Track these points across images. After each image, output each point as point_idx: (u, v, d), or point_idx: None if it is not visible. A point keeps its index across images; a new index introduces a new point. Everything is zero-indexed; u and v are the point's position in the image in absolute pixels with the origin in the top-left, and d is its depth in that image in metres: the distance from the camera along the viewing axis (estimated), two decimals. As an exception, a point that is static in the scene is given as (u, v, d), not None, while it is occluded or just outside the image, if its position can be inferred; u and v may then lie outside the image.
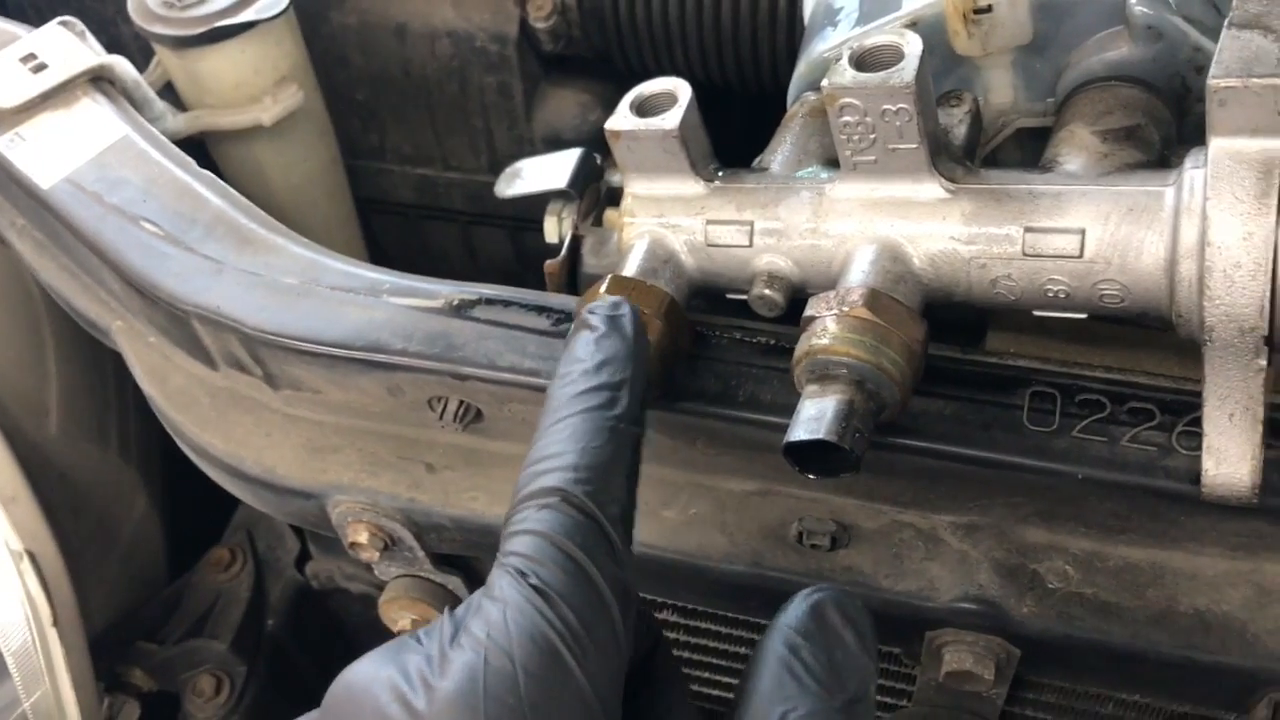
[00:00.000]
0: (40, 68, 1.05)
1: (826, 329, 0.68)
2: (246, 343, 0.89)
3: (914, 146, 0.69)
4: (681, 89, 0.77)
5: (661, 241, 0.79)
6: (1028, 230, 0.68)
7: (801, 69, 0.87)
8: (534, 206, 0.95)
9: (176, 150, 1.03)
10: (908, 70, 0.67)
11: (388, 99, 1.40)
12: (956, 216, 0.70)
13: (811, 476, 0.68)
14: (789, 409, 0.69)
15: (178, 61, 1.21)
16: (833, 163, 0.78)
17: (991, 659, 0.76)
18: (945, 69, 0.81)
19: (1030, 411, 0.74)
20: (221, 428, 0.95)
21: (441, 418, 0.84)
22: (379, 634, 1.29)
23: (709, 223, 0.78)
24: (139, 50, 1.24)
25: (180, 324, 0.93)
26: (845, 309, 0.68)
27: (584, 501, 0.56)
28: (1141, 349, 0.77)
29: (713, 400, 0.78)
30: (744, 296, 0.78)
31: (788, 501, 0.81)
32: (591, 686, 0.53)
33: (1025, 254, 0.68)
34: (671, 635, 0.93)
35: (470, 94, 1.36)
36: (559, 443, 0.59)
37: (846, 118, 0.69)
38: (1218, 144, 0.61)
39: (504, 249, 1.51)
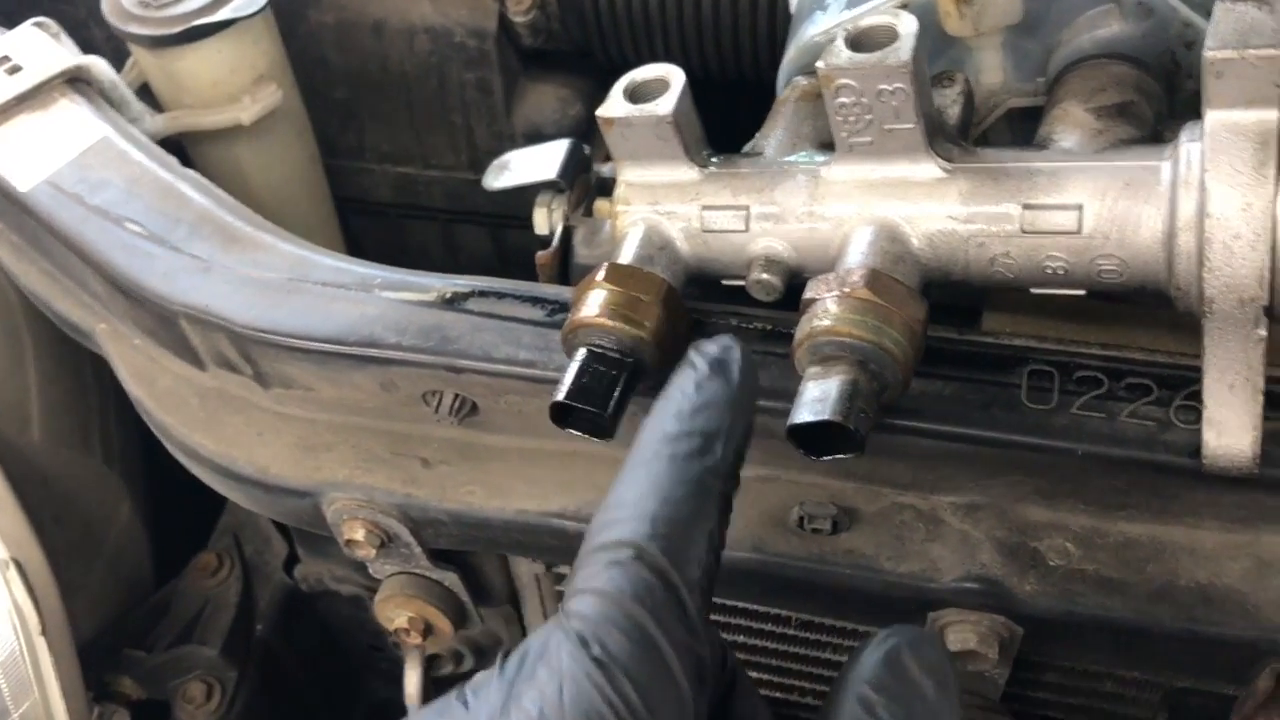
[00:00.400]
0: (15, 70, 1.04)
1: (828, 310, 0.68)
2: (236, 341, 0.88)
3: (910, 126, 0.69)
4: (675, 75, 0.77)
5: (657, 229, 0.79)
6: (1025, 207, 0.68)
7: (791, 54, 0.87)
8: (515, 203, 0.95)
9: (158, 150, 1.02)
10: (904, 49, 0.67)
11: (366, 97, 1.39)
12: (954, 196, 0.70)
13: (816, 458, 0.67)
14: (788, 394, 0.69)
15: (154, 61, 1.19)
16: (826, 146, 0.78)
17: (995, 638, 0.76)
18: (937, 50, 0.81)
19: (1029, 390, 0.74)
20: (212, 429, 0.93)
21: (437, 411, 0.83)
22: (370, 636, 1.28)
23: (704, 208, 0.77)
24: (112, 53, 1.22)
25: (167, 325, 0.92)
26: (846, 290, 0.68)
27: (658, 560, 0.51)
28: (1136, 325, 0.78)
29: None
30: (741, 282, 0.78)
31: (788, 486, 0.81)
32: None
33: (1023, 231, 0.68)
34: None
35: (449, 90, 1.35)
36: (638, 490, 0.54)
37: (843, 99, 0.69)
38: (1214, 116, 0.62)
39: (485, 246, 1.50)
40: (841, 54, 0.68)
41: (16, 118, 1.02)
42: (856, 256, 0.71)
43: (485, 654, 1.17)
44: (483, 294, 0.84)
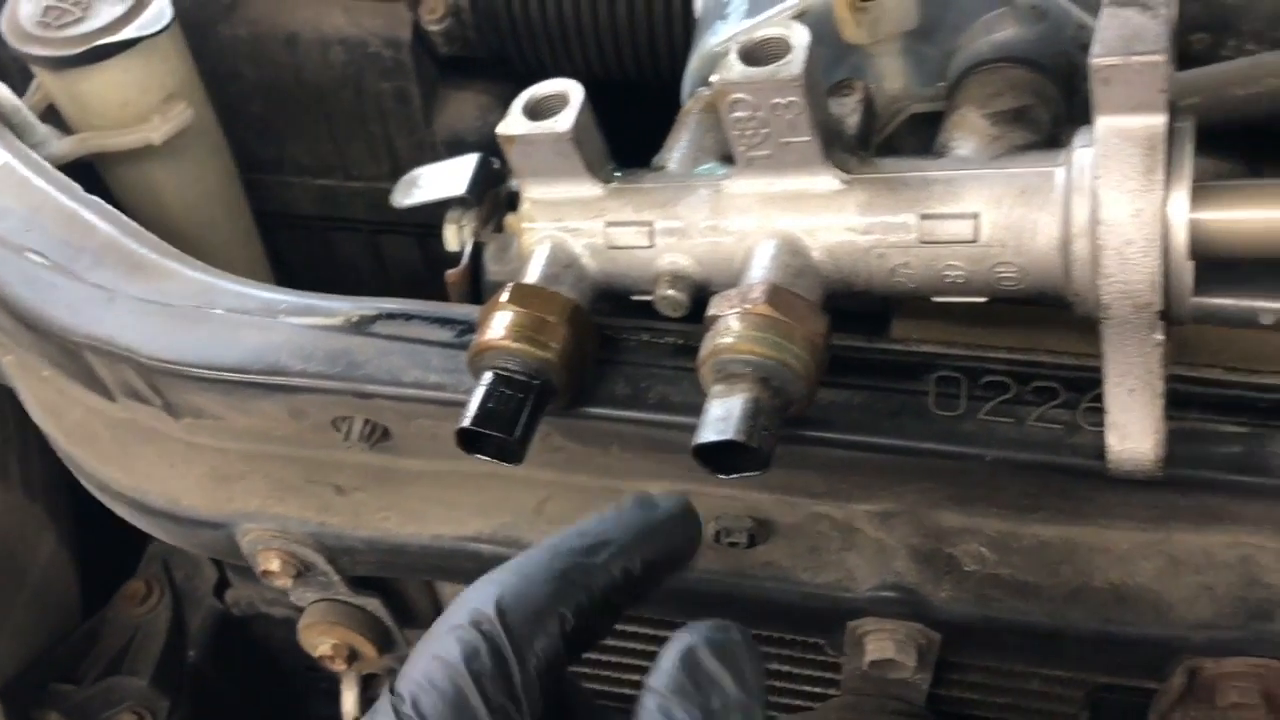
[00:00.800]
0: (-90, 99, 1.02)
1: (729, 327, 0.67)
2: (142, 372, 0.86)
3: (806, 139, 0.69)
4: (573, 90, 0.76)
5: (562, 246, 0.78)
6: (923, 217, 0.68)
7: (694, 64, 0.86)
8: (440, 213, 0.93)
9: (61, 176, 0.99)
10: (795, 63, 0.66)
11: (283, 110, 1.37)
12: (852, 207, 0.70)
13: (723, 477, 0.67)
14: (700, 409, 0.68)
15: (59, 83, 1.16)
16: (729, 158, 0.77)
17: (913, 645, 0.76)
18: (836, 58, 0.81)
19: (936, 396, 0.74)
20: (123, 461, 0.92)
21: (347, 438, 0.82)
22: (306, 657, 1.26)
23: (609, 225, 0.77)
24: (18, 73, 1.20)
25: (73, 356, 0.90)
26: (747, 306, 0.68)
27: (494, 629, 0.53)
28: (1044, 327, 0.78)
29: (623, 404, 0.77)
30: (649, 298, 0.77)
31: (704, 501, 0.80)
32: None
33: (921, 241, 0.68)
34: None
35: (367, 101, 1.33)
36: (505, 567, 0.56)
37: (738, 113, 0.69)
38: (1103, 122, 0.62)
39: (413, 256, 1.49)
40: (734, 68, 0.68)
41: (-87, 148, 1.00)
42: (758, 271, 0.70)
43: (422, 671, 1.16)
44: (390, 316, 0.83)
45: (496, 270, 0.88)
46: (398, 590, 0.94)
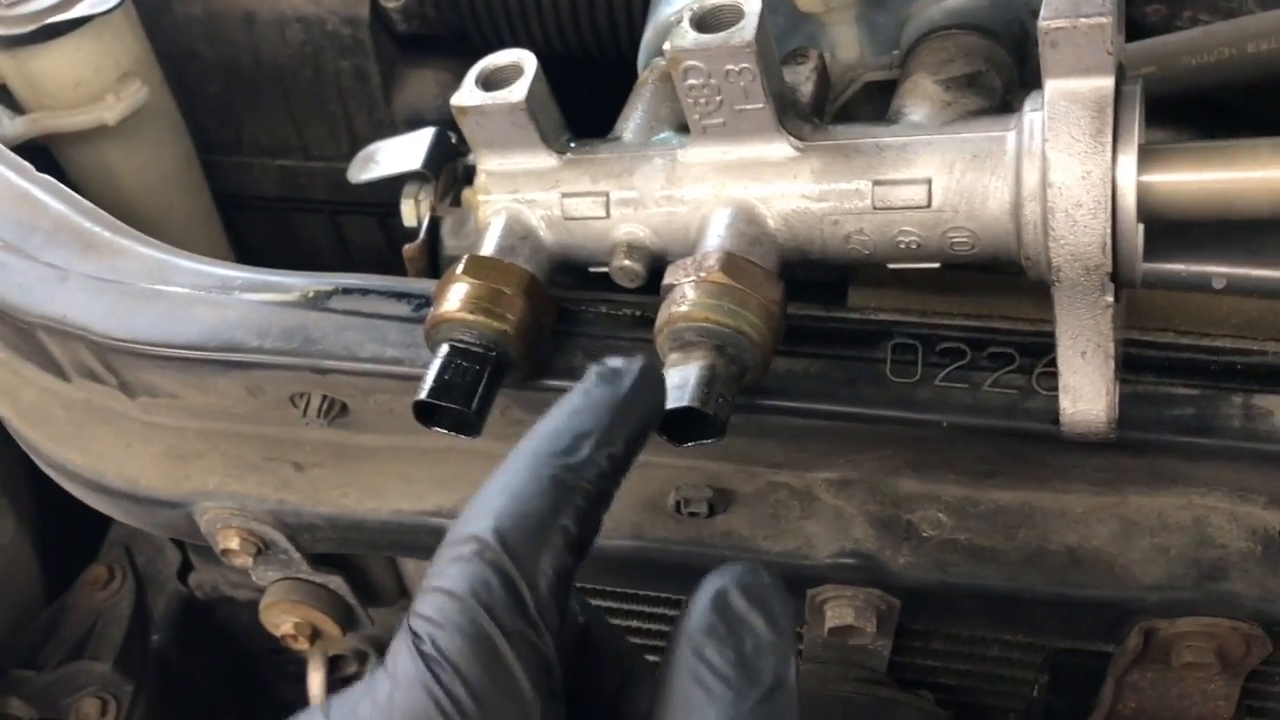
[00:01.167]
0: None
1: (685, 296, 0.67)
2: (97, 351, 0.85)
3: (760, 106, 0.69)
4: (527, 60, 0.75)
5: (518, 218, 0.78)
6: (876, 184, 0.68)
7: (649, 34, 0.86)
8: (400, 191, 0.93)
9: (12, 155, 0.98)
10: (748, 29, 0.66)
11: (241, 90, 1.35)
12: (806, 174, 0.70)
13: (679, 445, 0.67)
14: (657, 379, 0.68)
15: (10, 62, 1.15)
16: (685, 128, 0.77)
17: (872, 612, 0.76)
18: (791, 27, 0.81)
19: (893, 364, 0.74)
20: (79, 441, 0.91)
21: (305, 414, 0.82)
22: (271, 639, 1.26)
23: (564, 196, 0.76)
24: (-31, 54, 1.18)
25: (26, 337, 0.89)
26: (702, 275, 0.67)
27: (499, 556, 0.50)
28: (1000, 293, 0.78)
29: (582, 376, 0.77)
30: (606, 269, 0.77)
31: (664, 471, 0.81)
32: None
33: (875, 208, 0.68)
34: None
35: (325, 80, 1.32)
36: (493, 489, 0.53)
37: (691, 80, 0.69)
38: (1052, 85, 0.62)
39: (375, 236, 1.48)
40: (687, 35, 0.67)
41: None
42: (714, 240, 0.70)
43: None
44: (346, 291, 0.83)
45: (454, 245, 0.88)
46: (360, 568, 0.94)
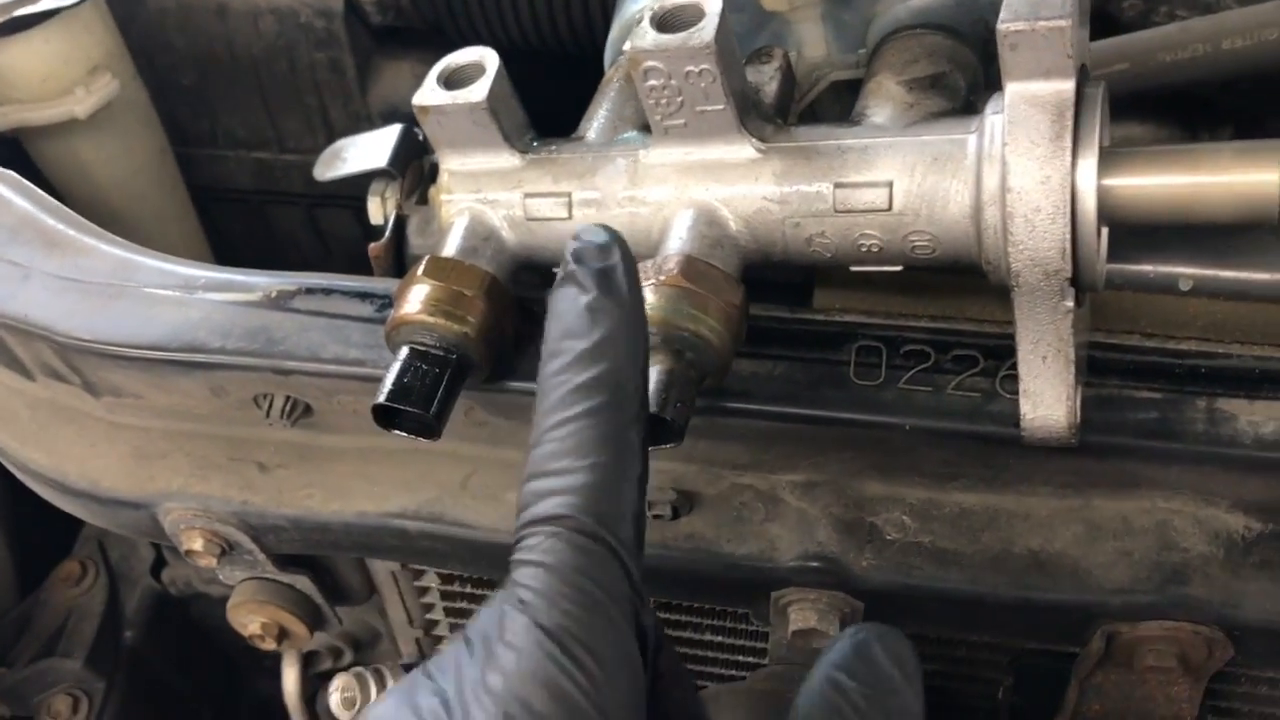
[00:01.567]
0: None
1: (645, 299, 0.67)
2: (60, 351, 0.85)
3: (721, 108, 0.68)
4: (489, 58, 0.75)
5: (481, 218, 0.77)
6: (837, 186, 0.67)
7: (615, 31, 0.86)
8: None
9: (-25, 152, 0.98)
10: (708, 30, 0.65)
11: (215, 82, 1.35)
12: (768, 176, 0.69)
13: (639, 449, 0.66)
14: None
15: (-22, 56, 1.14)
16: (649, 127, 0.76)
17: (836, 614, 0.76)
18: (756, 25, 0.80)
19: (857, 366, 0.74)
20: (43, 441, 0.90)
21: (269, 415, 0.81)
22: (243, 636, 1.25)
23: (527, 196, 0.76)
24: (-63, 46, 1.17)
25: (-11, 335, 0.89)
26: (661, 278, 0.67)
27: (597, 530, 0.51)
28: (965, 295, 0.78)
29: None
30: (569, 269, 0.76)
31: (629, 473, 0.80)
32: None
33: (836, 210, 0.68)
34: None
35: (300, 72, 1.31)
36: (563, 454, 0.53)
37: (652, 81, 0.68)
38: (1012, 88, 0.61)
39: (352, 230, 1.47)
40: (647, 35, 0.67)
41: None
42: (675, 242, 0.70)
43: (364, 648, 1.15)
44: (309, 291, 0.82)
45: (419, 243, 0.87)
46: (328, 567, 0.94)
